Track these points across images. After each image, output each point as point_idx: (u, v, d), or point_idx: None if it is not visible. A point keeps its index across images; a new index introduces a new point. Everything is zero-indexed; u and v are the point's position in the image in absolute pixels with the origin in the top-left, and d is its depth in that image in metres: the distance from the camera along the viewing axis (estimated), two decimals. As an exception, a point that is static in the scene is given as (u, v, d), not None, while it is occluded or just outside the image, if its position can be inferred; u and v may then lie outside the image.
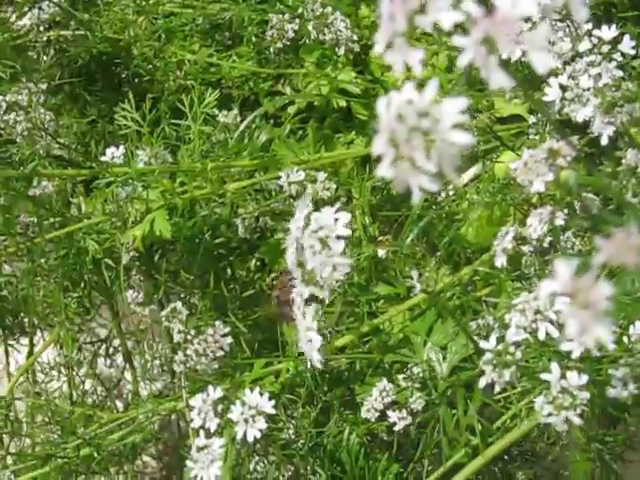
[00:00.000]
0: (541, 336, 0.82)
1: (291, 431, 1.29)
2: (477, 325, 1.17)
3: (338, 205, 0.73)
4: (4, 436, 1.56)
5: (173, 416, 1.83)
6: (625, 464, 1.27)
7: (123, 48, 1.51)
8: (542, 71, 0.51)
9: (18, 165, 1.34)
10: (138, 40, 1.46)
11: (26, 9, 1.52)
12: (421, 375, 1.25)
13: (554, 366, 0.80)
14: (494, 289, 1.36)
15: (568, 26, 1.06)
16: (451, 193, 1.46)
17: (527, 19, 0.52)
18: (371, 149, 0.55)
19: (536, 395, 1.11)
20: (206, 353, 1.19)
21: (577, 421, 0.80)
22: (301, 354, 1.30)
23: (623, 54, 1.01)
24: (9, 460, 1.46)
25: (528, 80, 1.10)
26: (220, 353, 1.21)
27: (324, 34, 1.13)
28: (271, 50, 1.38)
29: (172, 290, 1.47)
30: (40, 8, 1.51)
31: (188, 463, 1.09)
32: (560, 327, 0.82)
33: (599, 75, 0.99)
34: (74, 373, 1.57)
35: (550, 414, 0.80)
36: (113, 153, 1.29)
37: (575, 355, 0.81)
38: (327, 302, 0.79)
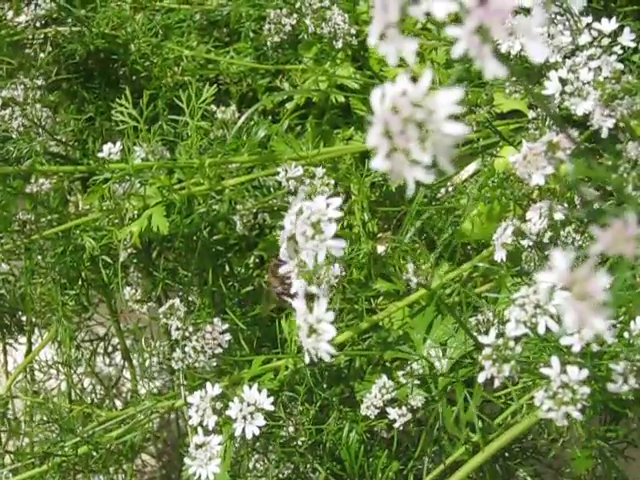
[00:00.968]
0: (541, 330, 0.81)
1: (291, 429, 1.29)
2: (477, 321, 1.16)
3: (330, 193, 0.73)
4: (2, 435, 1.56)
5: (172, 414, 1.83)
6: (627, 461, 1.26)
7: (120, 45, 1.50)
8: (538, 60, 0.50)
9: (15, 162, 1.34)
10: (136, 36, 1.45)
11: (23, 6, 1.52)
12: (421, 372, 1.24)
13: (554, 360, 0.79)
14: (494, 285, 1.35)
15: (568, 19, 1.05)
16: (450, 189, 1.45)
17: (523, 9, 0.51)
18: (367, 142, 0.54)
19: (537, 391, 1.11)
20: (204, 350, 1.18)
21: (577, 416, 0.79)
22: (300, 351, 1.30)
23: (623, 47, 1.00)
24: (7, 459, 1.46)
25: (527, 74, 1.10)
26: (218, 350, 1.21)
27: (322, 28, 1.13)
28: (268, 45, 1.37)
29: (170, 287, 1.46)
30: (37, 4, 1.50)
31: (186, 461, 1.08)
32: (560, 321, 0.82)
33: (599, 68, 0.98)
34: (72, 371, 1.57)
35: (550, 409, 0.79)
36: (110, 149, 1.28)
37: (575, 349, 0.81)
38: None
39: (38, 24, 1.52)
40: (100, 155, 1.29)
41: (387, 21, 0.51)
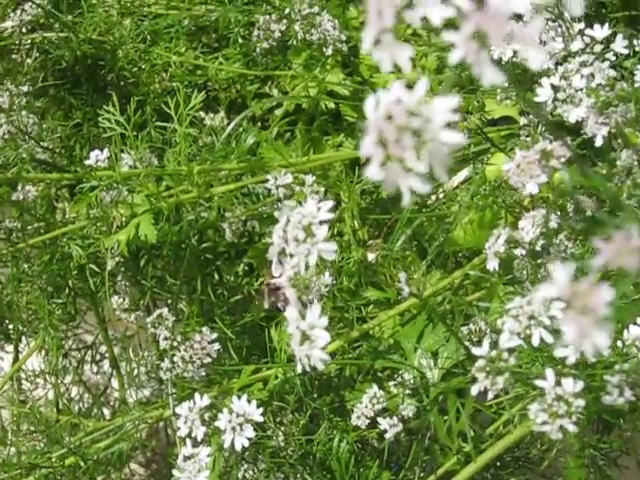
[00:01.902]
0: (535, 342, 0.80)
1: (280, 438, 1.27)
2: (469, 330, 1.15)
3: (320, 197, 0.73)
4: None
5: (161, 423, 1.81)
6: (621, 470, 1.25)
7: (108, 50, 1.49)
8: (536, 67, 0.49)
9: (1, 169, 1.32)
10: (123, 42, 1.44)
11: (9, 11, 1.50)
12: (412, 381, 1.23)
13: (549, 373, 0.78)
14: (485, 293, 1.34)
15: (560, 25, 1.04)
16: (441, 196, 1.44)
17: (519, 16, 0.50)
18: (360, 151, 0.53)
19: (529, 401, 1.10)
20: (193, 360, 1.17)
21: (572, 429, 0.78)
22: (290, 360, 1.28)
23: (616, 54, 0.99)
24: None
25: (520, 81, 1.09)
26: (207, 360, 1.19)
27: (311, 34, 1.11)
28: (257, 51, 1.36)
29: (159, 296, 1.45)
30: (23, 10, 1.48)
31: (175, 472, 1.07)
32: (554, 333, 0.80)
33: (592, 75, 0.97)
34: (60, 380, 1.55)
35: (545, 422, 0.78)
36: (97, 157, 1.26)
37: (570, 361, 0.80)
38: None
39: (24, 30, 1.50)
40: (87, 162, 1.27)
41: (381, 26, 0.50)
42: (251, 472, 1.29)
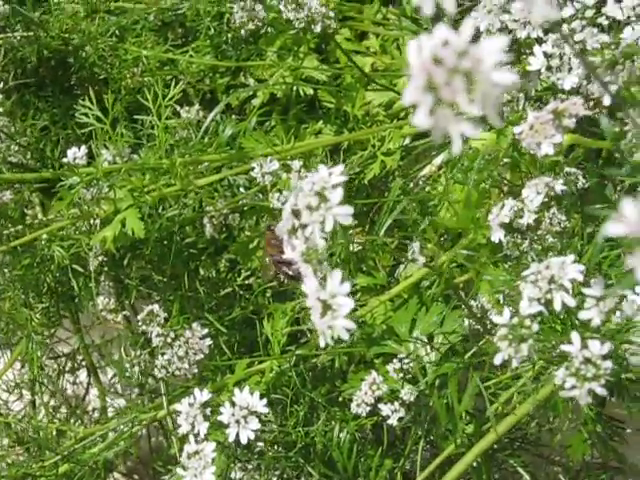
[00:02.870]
0: (557, 306, 0.78)
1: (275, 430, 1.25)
2: (469, 308, 1.13)
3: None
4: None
5: (144, 430, 1.77)
6: (627, 443, 1.25)
7: (74, 48, 1.45)
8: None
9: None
10: (92, 39, 1.40)
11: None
12: (410, 365, 1.21)
13: (575, 336, 0.76)
14: (473, 274, 1.33)
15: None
16: (421, 181, 1.43)
17: None
18: (403, 98, 0.51)
19: (529, 378, 1.08)
20: (188, 356, 1.14)
21: (601, 392, 0.76)
22: (284, 352, 1.26)
23: (608, 18, 0.98)
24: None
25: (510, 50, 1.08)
26: (199, 356, 1.17)
27: (297, 12, 1.09)
28: (229, 41, 1.34)
29: (140, 295, 1.41)
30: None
31: (179, 471, 1.04)
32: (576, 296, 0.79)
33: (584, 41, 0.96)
34: (41, 390, 1.51)
35: (574, 387, 0.76)
36: (75, 154, 1.23)
37: (595, 323, 0.78)
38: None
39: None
40: (65, 160, 1.23)
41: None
42: (248, 466, 1.26)
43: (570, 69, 0.98)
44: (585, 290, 0.78)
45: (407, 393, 1.16)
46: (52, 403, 1.63)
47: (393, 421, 1.16)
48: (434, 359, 1.24)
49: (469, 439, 1.20)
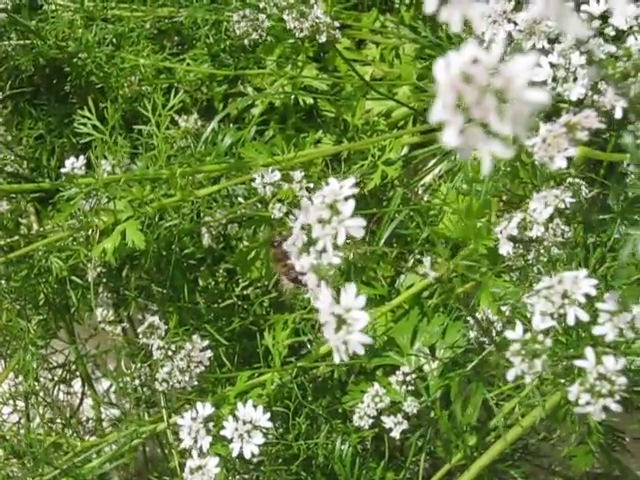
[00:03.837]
0: (570, 321, 0.77)
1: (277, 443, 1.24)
2: (476, 319, 1.12)
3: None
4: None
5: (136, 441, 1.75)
6: (632, 454, 1.24)
7: (70, 57, 1.43)
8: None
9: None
10: (88, 47, 1.38)
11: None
12: (412, 377, 1.20)
13: (589, 351, 0.75)
14: (475, 284, 1.32)
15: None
16: (421, 191, 1.42)
17: None
18: (431, 117, 0.50)
19: (532, 389, 1.08)
20: (190, 369, 1.13)
21: (616, 408, 0.75)
22: (285, 364, 1.25)
23: (615, 28, 0.97)
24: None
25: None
26: (200, 369, 1.15)
27: (301, 22, 1.07)
28: (227, 49, 1.32)
29: (138, 307, 1.40)
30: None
31: (182, 486, 1.02)
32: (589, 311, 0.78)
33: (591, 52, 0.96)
34: (37, 400, 1.49)
35: (588, 403, 0.75)
36: (73, 164, 1.21)
37: (609, 339, 0.77)
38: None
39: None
40: (63, 170, 1.21)
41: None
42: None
43: (575, 79, 0.98)
44: (599, 305, 0.77)
45: (410, 405, 1.15)
46: (47, 415, 1.62)
47: (396, 434, 1.15)
48: (436, 370, 1.24)
49: (471, 451, 1.19)
